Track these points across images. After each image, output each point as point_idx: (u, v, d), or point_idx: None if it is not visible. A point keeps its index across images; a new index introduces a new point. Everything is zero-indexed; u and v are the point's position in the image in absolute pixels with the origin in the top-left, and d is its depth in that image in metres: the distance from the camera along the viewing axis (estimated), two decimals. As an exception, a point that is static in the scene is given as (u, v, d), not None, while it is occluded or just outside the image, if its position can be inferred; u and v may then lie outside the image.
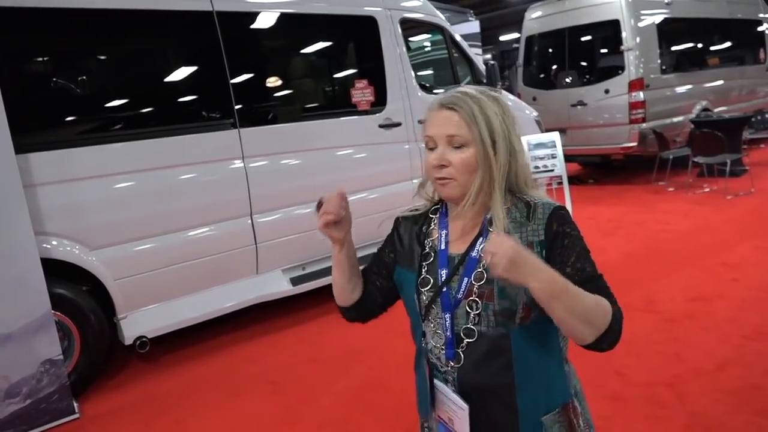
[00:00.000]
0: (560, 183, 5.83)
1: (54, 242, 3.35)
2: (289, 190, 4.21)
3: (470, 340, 1.25)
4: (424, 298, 1.31)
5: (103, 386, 3.62)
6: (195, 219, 3.86)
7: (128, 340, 3.64)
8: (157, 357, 3.94)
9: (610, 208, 6.99)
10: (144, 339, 3.66)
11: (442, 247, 1.31)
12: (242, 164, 4.02)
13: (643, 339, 3.53)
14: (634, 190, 8.07)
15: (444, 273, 1.28)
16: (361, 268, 1.45)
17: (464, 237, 1.30)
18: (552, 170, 5.77)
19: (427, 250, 1.34)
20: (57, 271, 3.34)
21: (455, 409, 1.28)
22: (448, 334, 1.26)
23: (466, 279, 1.25)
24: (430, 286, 1.30)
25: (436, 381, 1.31)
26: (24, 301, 3.07)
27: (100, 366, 3.66)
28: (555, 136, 5.80)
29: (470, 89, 1.26)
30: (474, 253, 1.26)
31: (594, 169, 9.68)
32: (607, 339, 1.19)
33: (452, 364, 1.27)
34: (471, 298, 1.24)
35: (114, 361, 3.89)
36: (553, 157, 5.74)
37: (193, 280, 3.91)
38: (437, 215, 1.37)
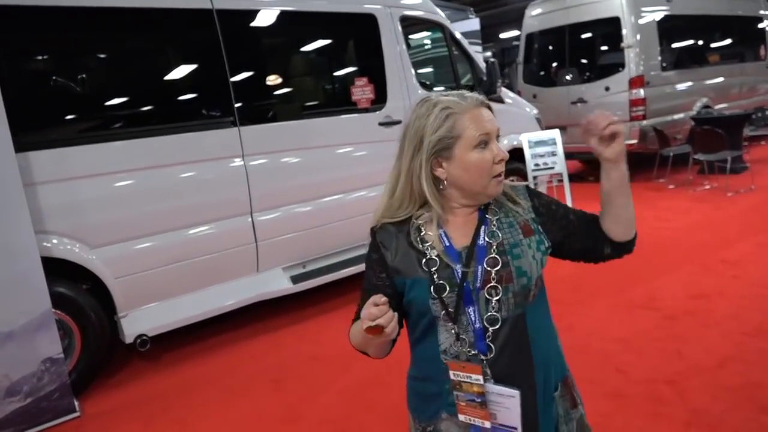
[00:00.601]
0: (560, 180, 5.83)
1: (54, 241, 3.35)
2: (289, 188, 4.21)
3: (494, 328, 1.26)
4: (447, 302, 1.27)
5: (103, 384, 3.63)
6: (195, 217, 3.86)
7: (129, 339, 3.64)
8: (157, 355, 3.95)
9: (611, 206, 6.97)
10: (144, 337, 3.66)
11: (446, 243, 1.30)
12: (242, 162, 4.02)
13: (643, 336, 3.53)
14: (634, 187, 7.90)
15: (459, 268, 1.27)
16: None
17: (464, 230, 1.31)
18: (552, 167, 5.76)
19: (429, 255, 1.29)
20: (57, 269, 3.34)
21: (502, 400, 1.25)
22: (478, 325, 1.26)
23: (480, 267, 1.26)
24: (448, 289, 1.27)
25: (487, 385, 1.26)
26: (24, 300, 3.08)
27: (100, 364, 3.67)
28: (555, 134, 5.80)
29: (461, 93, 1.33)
30: (481, 241, 1.28)
31: (594, 167, 9.65)
32: (633, 242, 1.40)
33: (483, 357, 1.26)
34: (489, 285, 1.25)
35: (114, 359, 3.89)
36: (554, 154, 5.74)
37: (194, 278, 3.91)
38: (424, 220, 1.32)
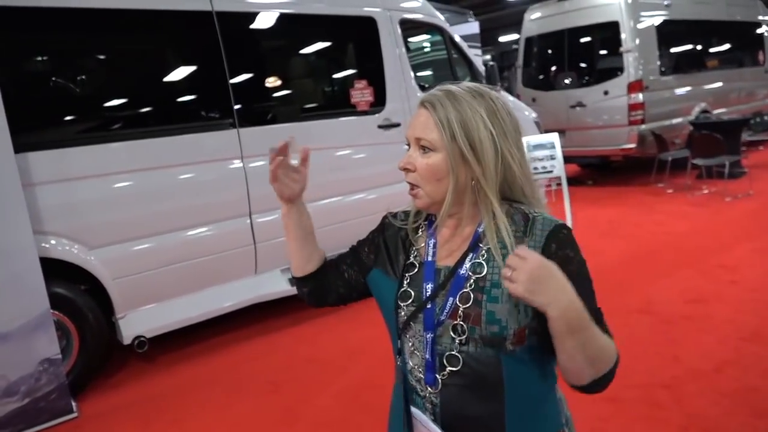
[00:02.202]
0: (559, 184, 5.83)
1: (53, 241, 3.35)
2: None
3: (453, 369, 1.11)
4: (403, 312, 1.17)
5: (101, 385, 3.62)
6: (194, 218, 3.86)
7: (127, 340, 3.64)
8: (155, 356, 3.95)
9: (609, 210, 7.00)
10: (142, 338, 3.66)
11: (429, 258, 1.18)
12: (241, 164, 4.02)
13: (640, 340, 3.54)
14: (632, 191, 8.08)
15: (429, 287, 1.15)
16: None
17: (452, 249, 1.17)
18: (551, 171, 5.77)
19: (412, 260, 1.21)
20: (55, 270, 3.34)
21: None
22: (428, 356, 1.13)
23: (451, 299, 1.11)
24: (411, 300, 1.16)
25: (413, 408, 1.17)
26: (22, 300, 3.07)
27: (98, 365, 3.66)
28: (554, 138, 5.80)
29: (456, 86, 1.13)
30: (462, 270, 1.12)
31: (593, 171, 9.69)
32: (601, 383, 1.09)
33: (431, 390, 1.14)
34: (456, 321, 1.10)
35: (112, 360, 3.89)
36: (552, 158, 5.74)
37: (192, 279, 3.91)
38: (426, 222, 1.24)
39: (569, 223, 6.09)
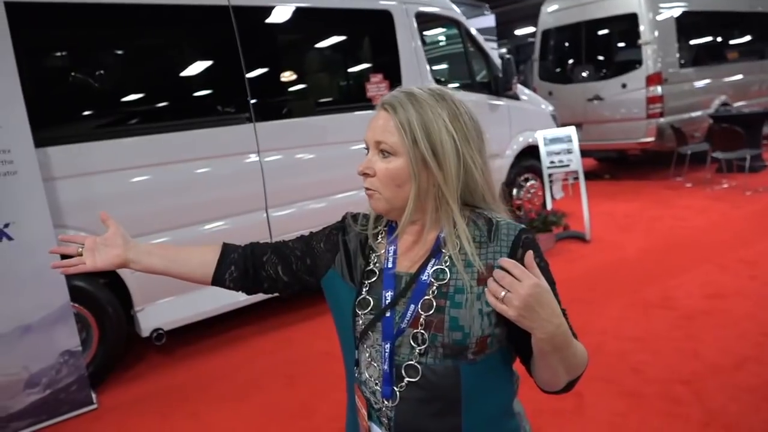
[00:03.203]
0: (576, 178, 5.79)
1: (72, 235, 3.39)
2: (303, 184, 4.22)
3: (412, 380, 1.07)
4: (361, 321, 1.12)
5: (120, 378, 3.67)
6: (211, 213, 3.89)
7: (145, 333, 3.68)
8: (173, 349, 3.98)
9: (627, 204, 6.93)
10: (161, 331, 3.70)
11: (389, 265, 1.13)
12: (258, 158, 4.04)
13: (659, 336, 3.51)
14: (651, 185, 8.00)
15: (389, 295, 1.10)
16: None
17: (414, 256, 1.13)
18: (568, 165, 5.73)
19: (372, 266, 1.16)
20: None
21: None
22: (386, 367, 1.08)
23: (412, 306, 1.07)
24: (370, 308, 1.12)
25: (371, 424, 1.14)
26: (44, 293, 3.12)
27: (117, 357, 3.71)
28: (571, 131, 5.76)
29: (418, 88, 1.10)
30: (424, 277, 1.09)
31: (610, 165, 9.61)
32: (574, 384, 1.09)
33: (387, 403, 1.10)
34: (417, 330, 1.06)
35: (131, 353, 3.93)
36: (569, 152, 5.70)
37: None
38: (387, 228, 1.19)
39: (586, 218, 6.03)
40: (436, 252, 1.10)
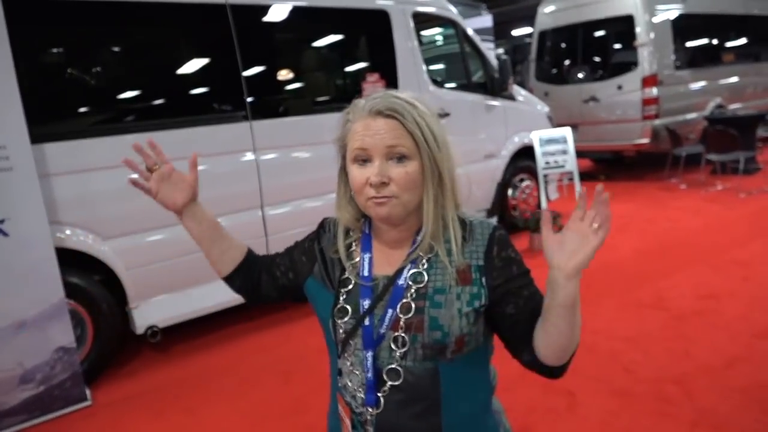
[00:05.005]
0: (571, 179, 5.81)
1: (68, 231, 3.40)
2: (299, 183, 4.23)
3: (394, 383, 1.08)
4: (341, 330, 1.13)
5: (115, 374, 3.67)
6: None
7: (140, 330, 3.68)
8: (168, 346, 3.99)
9: (622, 205, 6.96)
10: (155, 328, 3.70)
11: (365, 273, 1.14)
12: (254, 157, 4.05)
13: (651, 336, 3.53)
14: (645, 187, 8.03)
15: (366, 303, 1.11)
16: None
17: (391, 260, 1.14)
18: (563, 166, 5.75)
19: (347, 274, 1.16)
20: (70, 260, 3.39)
21: None
22: (369, 375, 1.09)
23: (390, 311, 1.09)
24: (348, 316, 1.12)
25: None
26: (38, 290, 3.12)
27: (112, 354, 3.71)
28: (566, 132, 5.78)
29: (392, 94, 1.11)
30: (401, 281, 1.10)
31: (605, 166, 9.64)
32: (567, 365, 1.10)
33: (370, 410, 1.11)
34: (397, 333, 1.08)
35: (126, 350, 3.94)
36: (565, 152, 5.72)
37: (205, 270, 3.89)
38: (356, 236, 1.20)
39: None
40: (413, 256, 1.11)
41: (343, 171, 1.18)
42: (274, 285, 1.31)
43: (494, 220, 5.82)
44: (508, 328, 1.10)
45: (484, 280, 1.09)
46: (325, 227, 1.27)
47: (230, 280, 1.35)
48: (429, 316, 1.06)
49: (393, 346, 1.08)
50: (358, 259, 1.17)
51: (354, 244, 1.20)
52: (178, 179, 1.31)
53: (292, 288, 1.29)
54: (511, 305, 1.10)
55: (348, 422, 1.14)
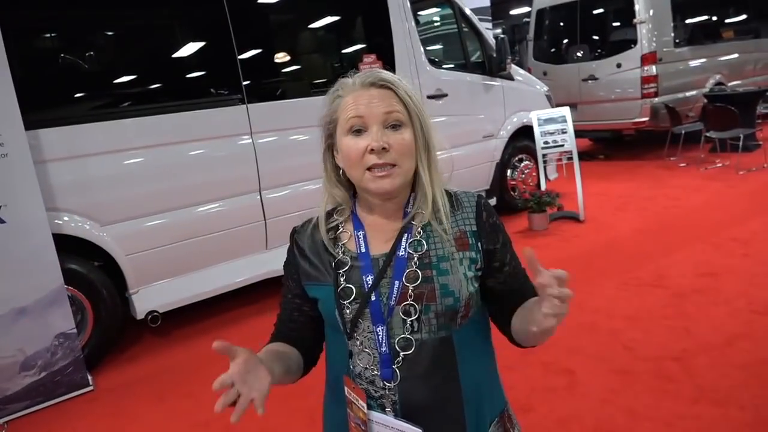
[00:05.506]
0: (570, 158, 5.79)
1: (65, 218, 3.38)
2: (297, 166, 4.21)
3: (407, 353, 1.07)
4: (348, 311, 1.10)
5: (116, 360, 3.68)
6: (205, 195, 3.88)
7: (140, 315, 3.69)
8: (168, 331, 4.00)
9: (621, 184, 6.94)
10: (155, 313, 3.70)
11: (362, 249, 1.12)
12: (251, 140, 4.02)
13: (652, 314, 3.54)
14: (645, 165, 8.01)
15: (370, 279, 1.09)
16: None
17: (383, 236, 1.13)
18: (562, 145, 5.72)
19: (340, 257, 1.13)
20: (69, 246, 3.38)
21: None
22: (384, 349, 1.08)
23: (397, 282, 1.07)
24: (353, 296, 1.10)
25: (371, 413, 1.11)
26: (37, 276, 3.12)
27: (112, 340, 3.72)
28: (565, 111, 5.74)
29: (375, 70, 1.14)
30: (401, 252, 1.09)
31: (605, 145, 9.60)
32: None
33: (388, 384, 1.09)
34: (406, 302, 1.07)
35: (126, 335, 3.94)
36: (564, 132, 5.69)
37: (204, 255, 3.94)
38: (343, 216, 1.18)
39: (580, 198, 6.04)
40: (407, 226, 1.11)
41: (329, 151, 1.19)
42: (308, 328, 1.25)
43: (493, 201, 5.81)
44: (490, 302, 1.17)
45: (479, 244, 1.12)
46: (297, 232, 1.24)
47: (306, 373, 1.34)
48: (439, 284, 1.07)
49: (404, 317, 1.07)
50: (348, 239, 1.15)
51: (341, 226, 1.17)
52: (245, 370, 1.06)
53: (313, 311, 1.21)
54: (491, 279, 1.14)
55: (363, 403, 1.12)
